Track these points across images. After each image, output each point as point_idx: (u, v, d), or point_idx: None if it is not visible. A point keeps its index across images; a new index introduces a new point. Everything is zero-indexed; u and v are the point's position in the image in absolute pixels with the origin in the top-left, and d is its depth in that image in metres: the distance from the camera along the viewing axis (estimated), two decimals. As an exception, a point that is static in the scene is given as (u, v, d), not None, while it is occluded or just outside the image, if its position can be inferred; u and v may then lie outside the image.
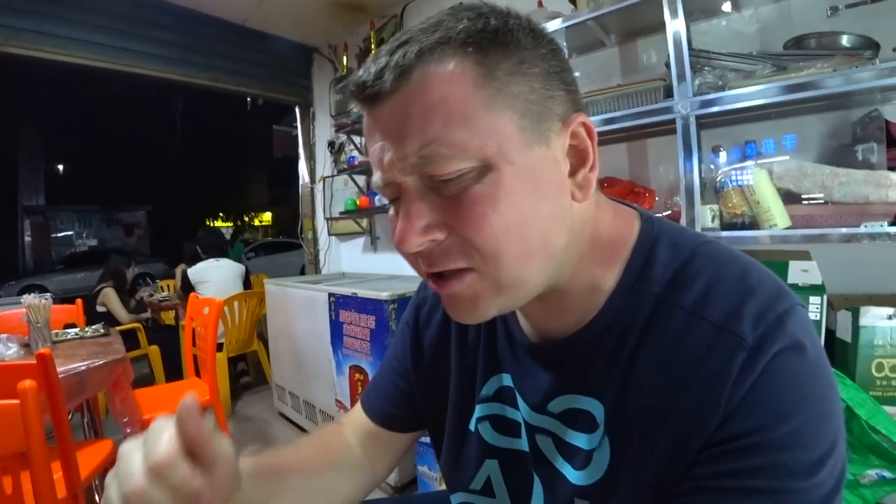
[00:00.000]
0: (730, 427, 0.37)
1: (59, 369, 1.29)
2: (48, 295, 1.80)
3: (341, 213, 3.05)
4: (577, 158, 0.43)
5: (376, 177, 0.42)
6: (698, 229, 1.29)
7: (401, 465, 2.00)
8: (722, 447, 0.37)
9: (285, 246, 11.13)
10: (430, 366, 0.64)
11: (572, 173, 0.42)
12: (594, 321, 0.46)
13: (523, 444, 0.53)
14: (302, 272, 8.98)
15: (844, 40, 1.20)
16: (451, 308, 0.44)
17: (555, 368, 0.50)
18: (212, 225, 19.63)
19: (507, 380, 0.55)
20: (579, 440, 0.47)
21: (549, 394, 0.50)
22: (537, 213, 0.40)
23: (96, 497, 1.74)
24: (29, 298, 1.72)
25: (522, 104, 0.39)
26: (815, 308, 1.11)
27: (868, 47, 1.16)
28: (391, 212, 0.44)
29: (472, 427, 0.58)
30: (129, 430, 1.74)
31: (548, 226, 0.41)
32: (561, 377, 0.49)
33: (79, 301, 2.59)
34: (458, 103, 0.37)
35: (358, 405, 0.71)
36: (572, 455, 0.47)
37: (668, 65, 1.34)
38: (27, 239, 13.33)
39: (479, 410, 0.57)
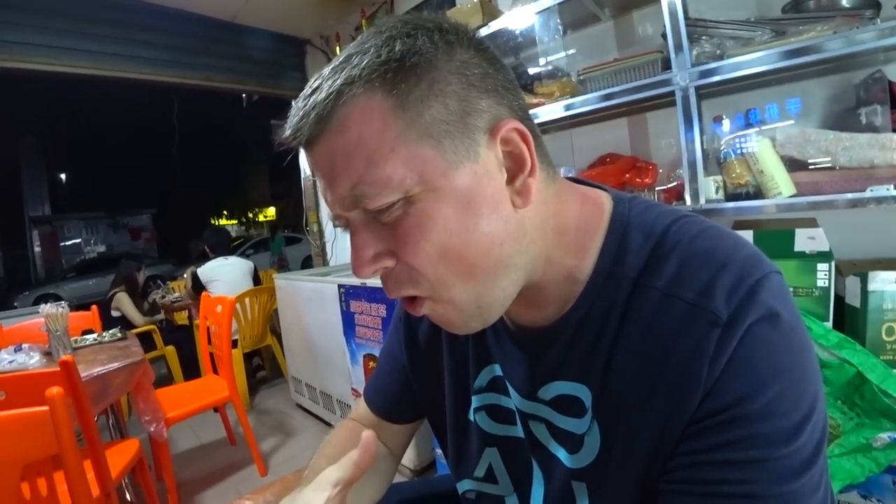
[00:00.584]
0: (710, 403, 0.38)
1: (82, 374, 1.32)
2: (65, 303, 1.83)
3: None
4: (515, 164, 0.42)
5: (329, 211, 0.44)
6: (702, 201, 1.29)
7: (419, 450, 2.04)
8: (704, 423, 0.38)
9: (286, 241, 11.20)
10: (426, 359, 0.65)
11: (511, 180, 0.42)
12: (574, 308, 0.46)
13: (519, 430, 0.54)
14: (303, 266, 8.98)
15: (844, 1, 1.17)
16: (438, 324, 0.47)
17: (540, 357, 0.50)
18: (217, 223, 19.73)
19: (497, 370, 0.56)
20: (570, 425, 0.48)
21: (538, 381, 0.50)
22: (474, 231, 0.40)
23: (127, 495, 1.79)
24: (46, 308, 1.75)
25: (439, 128, 0.38)
26: (823, 275, 1.11)
27: (869, 7, 1.14)
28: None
29: (470, 417, 0.59)
30: (153, 428, 1.79)
31: (487, 241, 0.40)
32: (547, 365, 0.50)
33: (94, 307, 2.63)
34: (374, 142, 0.37)
35: (362, 399, 0.74)
36: (565, 440, 0.49)
37: (664, 36, 1.32)
38: (37, 249, 13.44)
39: (475, 401, 0.59)
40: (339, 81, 0.37)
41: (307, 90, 0.40)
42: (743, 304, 0.38)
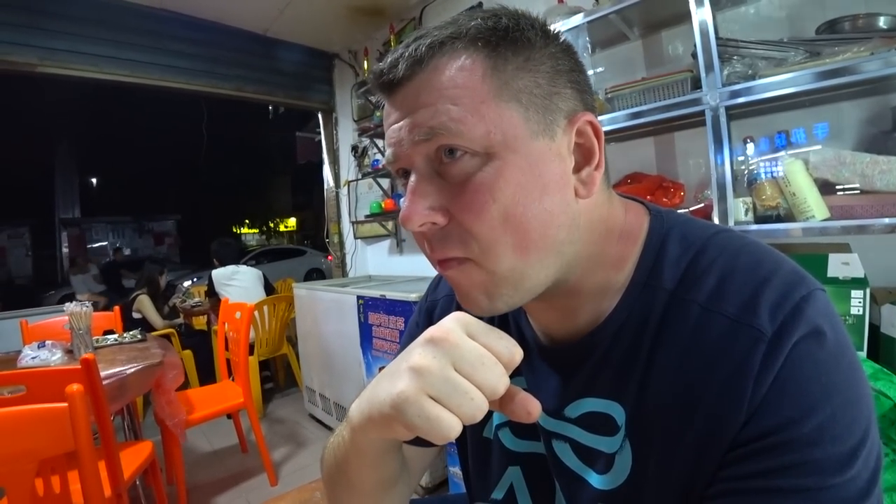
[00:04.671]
0: (756, 425, 0.36)
1: (102, 374, 1.33)
2: (88, 303, 1.87)
3: (367, 217, 3.08)
4: (583, 156, 0.43)
5: (388, 153, 0.44)
6: (731, 223, 1.26)
7: (432, 467, 2.00)
8: (750, 447, 0.36)
9: (289, 252, 11.27)
10: None
11: (577, 170, 0.43)
12: (607, 321, 0.45)
13: (543, 446, 0.53)
14: (305, 278, 8.93)
15: (882, 22, 1.15)
16: (460, 298, 0.45)
17: (570, 372, 0.49)
18: (239, 232, 20.09)
19: (523, 383, 0.54)
20: (600, 444, 0.46)
21: (565, 398, 0.49)
22: (538, 204, 0.40)
23: (141, 496, 1.79)
24: (71, 306, 1.79)
25: (527, 98, 0.40)
26: (857, 302, 1.07)
27: (907, 28, 1.12)
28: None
29: (490, 434, 0.57)
30: (178, 432, 1.83)
31: (548, 218, 0.41)
32: (577, 381, 0.48)
33: (117, 308, 2.68)
34: (467, 90, 0.39)
35: None
36: (594, 459, 0.47)
37: (694, 55, 1.31)
38: (65, 250, 13.81)
39: (498, 417, 0.57)
40: (445, 34, 0.40)
41: (410, 38, 0.41)
42: (788, 321, 0.36)
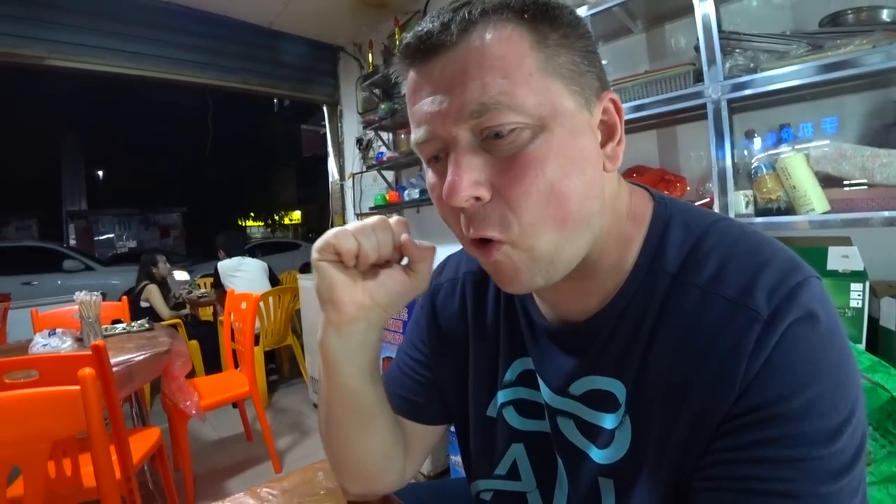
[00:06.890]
0: (747, 400, 0.38)
1: (111, 360, 1.36)
2: (97, 292, 1.90)
3: (371, 209, 3.09)
4: (607, 133, 0.45)
5: (420, 132, 0.43)
6: (732, 216, 1.27)
7: (434, 455, 2.03)
8: (740, 420, 0.38)
9: (285, 246, 11.23)
10: (449, 353, 0.64)
11: (602, 146, 0.44)
12: (613, 303, 0.47)
13: (547, 425, 0.54)
14: (301, 272, 8.90)
15: (885, 14, 1.15)
16: (496, 278, 0.46)
17: (575, 351, 0.50)
18: (244, 224, 20.14)
19: (529, 363, 0.56)
20: (602, 420, 0.48)
21: (571, 376, 0.50)
22: (579, 177, 0.41)
23: (149, 481, 1.83)
24: (81, 295, 1.82)
25: (568, 73, 0.41)
26: (856, 295, 1.07)
27: (910, 22, 1.12)
28: (429, 175, 0.46)
29: (494, 413, 0.59)
30: (194, 412, 1.88)
31: (586, 190, 0.42)
32: (582, 359, 0.50)
33: (124, 298, 2.72)
34: (517, 62, 0.39)
35: None
36: (595, 435, 0.48)
37: (697, 48, 1.32)
38: (72, 242, 13.90)
39: (502, 396, 0.58)
40: (493, 2, 0.40)
41: (455, 3, 0.41)
42: (784, 304, 0.38)
